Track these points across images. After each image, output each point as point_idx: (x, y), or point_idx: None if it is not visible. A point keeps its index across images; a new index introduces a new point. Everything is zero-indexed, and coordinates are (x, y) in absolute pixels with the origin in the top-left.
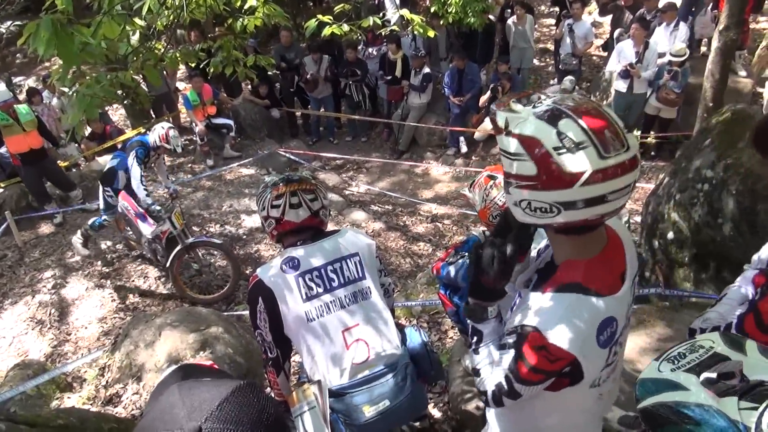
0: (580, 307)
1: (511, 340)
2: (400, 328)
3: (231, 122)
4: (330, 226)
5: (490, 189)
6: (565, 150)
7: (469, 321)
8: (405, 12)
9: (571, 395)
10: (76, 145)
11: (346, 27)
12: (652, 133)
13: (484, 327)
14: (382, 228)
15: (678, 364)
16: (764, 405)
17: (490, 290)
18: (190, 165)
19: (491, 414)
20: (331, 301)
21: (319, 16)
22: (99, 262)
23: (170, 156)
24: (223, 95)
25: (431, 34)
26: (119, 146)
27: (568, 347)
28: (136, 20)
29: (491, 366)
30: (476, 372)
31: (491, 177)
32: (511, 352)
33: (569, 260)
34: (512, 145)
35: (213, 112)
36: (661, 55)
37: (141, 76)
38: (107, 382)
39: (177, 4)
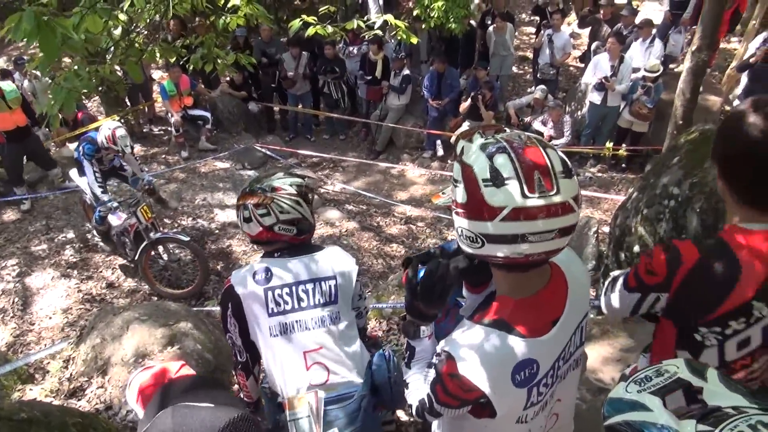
0: (499, 344)
1: (436, 361)
2: (372, 350)
3: (208, 114)
4: None
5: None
6: (491, 184)
7: (404, 337)
8: (389, 17)
9: (493, 426)
10: (47, 130)
11: (330, 28)
12: (623, 145)
13: (416, 344)
14: (355, 228)
15: (644, 387)
16: (719, 429)
17: (422, 312)
18: (164, 156)
19: (434, 424)
20: (296, 321)
21: (304, 17)
22: (66, 252)
23: (144, 146)
24: (200, 87)
25: (414, 40)
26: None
27: (476, 381)
28: (119, 15)
29: (419, 382)
30: (406, 385)
31: None
32: (433, 373)
33: (503, 296)
34: (456, 170)
35: (189, 104)
36: (636, 70)
37: (121, 69)
38: (71, 374)
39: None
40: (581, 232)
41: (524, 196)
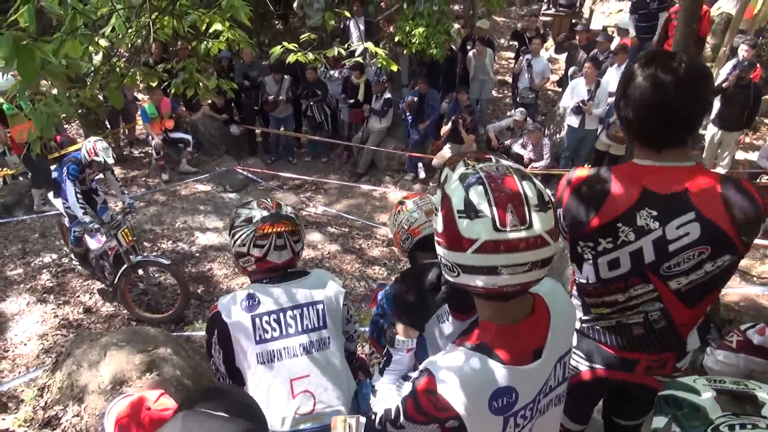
0: (479, 368)
1: (413, 375)
2: (360, 373)
3: (189, 137)
4: None
5: (398, 213)
6: (465, 215)
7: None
8: (370, 45)
9: None
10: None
11: (311, 55)
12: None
13: (394, 353)
14: (338, 250)
15: (711, 383)
16: (739, 421)
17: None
18: (144, 179)
19: None
20: (284, 348)
21: (285, 44)
22: (42, 276)
23: (124, 168)
24: (181, 109)
25: (394, 68)
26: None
27: (452, 401)
28: (100, 41)
29: (388, 392)
30: (373, 391)
31: (400, 202)
32: (408, 386)
33: (485, 321)
34: (437, 199)
35: (170, 126)
36: (612, 95)
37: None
38: (46, 403)
39: (142, 24)
40: (561, 254)
41: (496, 229)
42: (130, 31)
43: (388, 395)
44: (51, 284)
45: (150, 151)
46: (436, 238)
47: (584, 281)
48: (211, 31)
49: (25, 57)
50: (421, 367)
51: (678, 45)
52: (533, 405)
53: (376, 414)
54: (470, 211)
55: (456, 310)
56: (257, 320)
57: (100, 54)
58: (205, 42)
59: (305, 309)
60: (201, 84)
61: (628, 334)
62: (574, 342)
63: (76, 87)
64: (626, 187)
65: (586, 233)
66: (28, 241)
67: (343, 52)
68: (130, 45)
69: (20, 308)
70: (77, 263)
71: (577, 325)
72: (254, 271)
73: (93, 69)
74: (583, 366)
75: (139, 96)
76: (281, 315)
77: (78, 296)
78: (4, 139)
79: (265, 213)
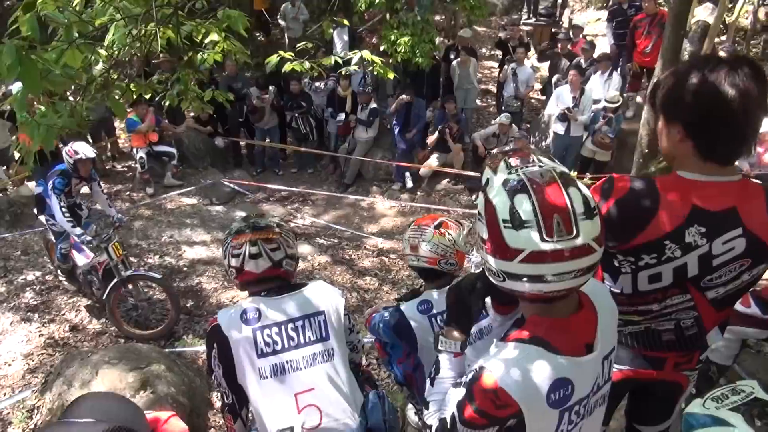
0: (537, 359)
1: (465, 379)
2: (366, 386)
3: (173, 150)
4: None
5: (441, 237)
6: (511, 225)
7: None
8: (366, 53)
9: None
10: (4, 168)
11: (307, 64)
12: (587, 174)
13: (442, 359)
14: (327, 261)
15: (722, 404)
16: None
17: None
18: (128, 193)
19: None
20: (287, 361)
21: (281, 53)
22: (26, 294)
23: (107, 182)
24: (165, 123)
25: (390, 75)
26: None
27: (514, 394)
28: (101, 50)
29: (441, 402)
30: (426, 404)
31: (440, 224)
32: (462, 391)
33: (534, 316)
34: (480, 204)
35: (155, 139)
36: (596, 102)
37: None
38: (36, 425)
39: (149, 33)
40: None
41: (543, 240)
42: (130, 41)
43: (441, 406)
44: (35, 302)
45: (134, 165)
46: (479, 243)
47: (617, 291)
48: (207, 41)
49: (29, 66)
50: (474, 366)
51: (666, 52)
52: (586, 401)
53: (432, 427)
54: (515, 221)
55: (499, 303)
56: (258, 333)
57: (100, 64)
58: (201, 53)
59: (306, 321)
60: (195, 96)
61: (657, 340)
62: None
63: (67, 98)
64: (675, 205)
65: (628, 248)
66: (10, 259)
67: (340, 61)
68: (127, 58)
69: (3, 328)
70: (64, 279)
71: None
72: (241, 283)
73: (92, 80)
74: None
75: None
76: (282, 328)
77: (63, 314)
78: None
79: (243, 224)
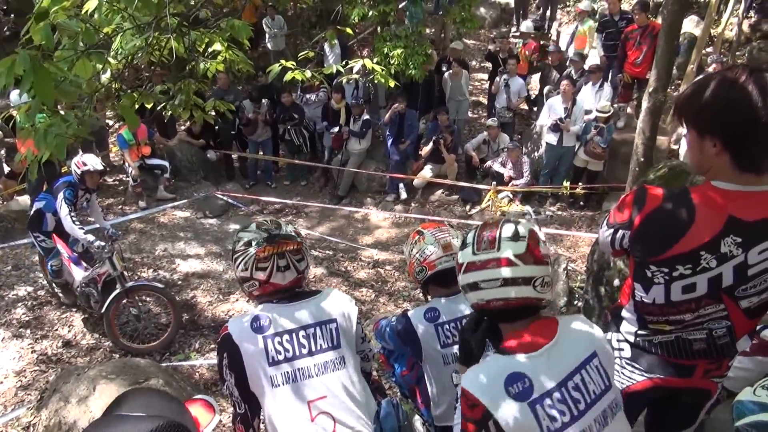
0: (492, 361)
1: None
2: (377, 395)
3: (166, 163)
4: None
5: (414, 243)
6: (460, 248)
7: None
8: (368, 62)
9: None
10: None
11: (308, 73)
12: (580, 184)
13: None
14: (323, 273)
15: None
16: None
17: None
18: (120, 206)
19: None
20: (299, 369)
21: (282, 62)
22: (17, 310)
23: (99, 196)
24: (157, 136)
25: (392, 83)
26: (44, 187)
27: (475, 392)
28: (111, 60)
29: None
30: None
31: (418, 232)
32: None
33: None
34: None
35: (147, 153)
36: (588, 112)
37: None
38: None
39: (149, 44)
40: (551, 269)
41: (473, 253)
42: (142, 48)
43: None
44: (27, 318)
45: (125, 179)
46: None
47: (649, 302)
48: (209, 50)
49: (42, 75)
50: None
51: (660, 61)
52: (562, 398)
53: None
54: (463, 244)
55: (493, 344)
56: (269, 341)
57: (108, 72)
58: (203, 63)
59: (318, 328)
60: (197, 106)
61: (688, 348)
62: (628, 354)
63: (76, 107)
64: (711, 215)
65: (662, 259)
66: (1, 274)
67: (342, 69)
68: (135, 64)
69: None
70: (60, 292)
71: (631, 338)
72: (260, 294)
73: (102, 89)
74: (640, 376)
75: (110, 123)
76: (294, 335)
77: (56, 329)
78: None
79: (265, 234)
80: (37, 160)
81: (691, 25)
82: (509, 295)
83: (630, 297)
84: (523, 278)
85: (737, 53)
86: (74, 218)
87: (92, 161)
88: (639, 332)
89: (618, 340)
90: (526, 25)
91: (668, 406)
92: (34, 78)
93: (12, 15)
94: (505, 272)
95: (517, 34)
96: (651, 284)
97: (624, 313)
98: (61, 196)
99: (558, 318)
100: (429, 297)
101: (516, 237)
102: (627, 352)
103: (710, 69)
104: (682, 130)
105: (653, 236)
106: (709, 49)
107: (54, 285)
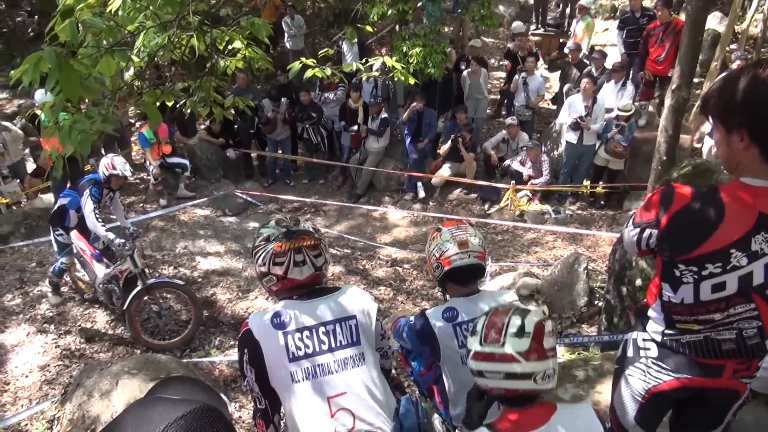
0: None
1: None
2: (396, 392)
3: (186, 162)
4: None
5: (432, 240)
6: (470, 335)
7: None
8: (387, 59)
9: None
10: (18, 181)
11: (328, 70)
12: (600, 183)
13: None
14: (341, 272)
15: None
16: None
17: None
18: (141, 204)
19: None
20: (319, 365)
21: (302, 59)
22: (42, 306)
23: (120, 194)
24: (178, 135)
25: (411, 81)
26: (68, 185)
27: None
28: (134, 57)
29: None
30: None
31: (437, 229)
32: None
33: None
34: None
35: (168, 151)
36: (609, 110)
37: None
38: None
39: (171, 42)
40: (572, 269)
41: (480, 344)
42: (164, 46)
43: None
44: (51, 314)
45: (146, 177)
46: None
47: (677, 302)
48: (229, 48)
49: (68, 72)
50: None
51: (683, 58)
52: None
53: None
54: (474, 332)
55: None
56: (289, 337)
57: (131, 70)
58: (223, 60)
59: (338, 325)
60: (217, 103)
61: (717, 348)
62: (654, 353)
63: (98, 103)
64: (741, 213)
65: (691, 258)
66: (26, 270)
67: (362, 67)
68: (157, 62)
69: (20, 339)
70: (50, 291)
71: (658, 338)
72: (279, 290)
73: (125, 86)
74: (667, 376)
75: (132, 121)
76: (314, 331)
77: (79, 325)
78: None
79: (283, 230)
80: (61, 156)
81: (714, 22)
82: (510, 387)
83: (657, 297)
84: (523, 374)
85: (762, 49)
86: (98, 215)
87: (122, 167)
88: (666, 331)
89: (644, 340)
90: (516, 26)
91: (695, 406)
92: (59, 75)
93: (36, 16)
94: (507, 368)
95: (538, 31)
96: (679, 284)
97: (650, 313)
98: (87, 192)
99: (558, 405)
100: (448, 296)
101: (521, 333)
102: (653, 351)
103: (734, 66)
104: (706, 128)
105: (681, 235)
106: (733, 46)
107: (50, 279)
